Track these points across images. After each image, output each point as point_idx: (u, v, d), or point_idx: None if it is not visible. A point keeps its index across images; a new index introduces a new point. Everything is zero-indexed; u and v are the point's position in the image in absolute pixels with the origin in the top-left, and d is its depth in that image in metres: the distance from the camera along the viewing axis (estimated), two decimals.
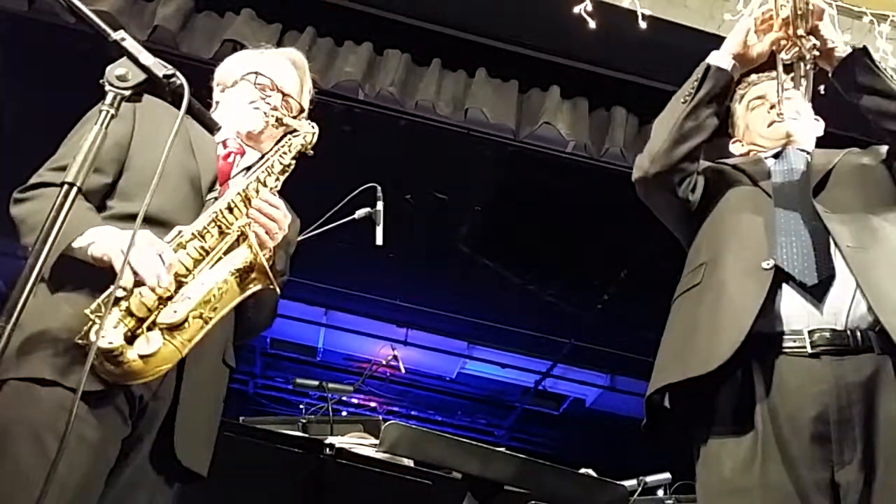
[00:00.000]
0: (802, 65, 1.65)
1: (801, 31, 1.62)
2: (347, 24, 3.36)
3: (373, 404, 7.29)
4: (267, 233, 1.64)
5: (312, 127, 1.81)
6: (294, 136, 1.79)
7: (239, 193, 1.63)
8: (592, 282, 5.04)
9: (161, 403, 1.55)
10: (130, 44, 1.22)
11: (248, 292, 1.58)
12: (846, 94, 1.66)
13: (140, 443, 1.54)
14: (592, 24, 2.87)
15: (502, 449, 1.98)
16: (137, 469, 1.54)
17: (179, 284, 1.51)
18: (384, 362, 4.93)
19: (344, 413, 4.96)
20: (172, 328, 1.45)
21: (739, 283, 1.57)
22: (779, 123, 1.85)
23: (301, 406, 3.55)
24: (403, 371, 5.21)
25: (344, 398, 4.45)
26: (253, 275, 1.57)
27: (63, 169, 1.32)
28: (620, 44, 3.12)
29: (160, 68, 1.22)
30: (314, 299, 5.90)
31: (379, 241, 2.65)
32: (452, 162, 4.17)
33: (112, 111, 1.22)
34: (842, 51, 1.63)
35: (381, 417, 3.27)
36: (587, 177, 3.83)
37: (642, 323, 5.25)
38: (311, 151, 1.80)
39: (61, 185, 1.19)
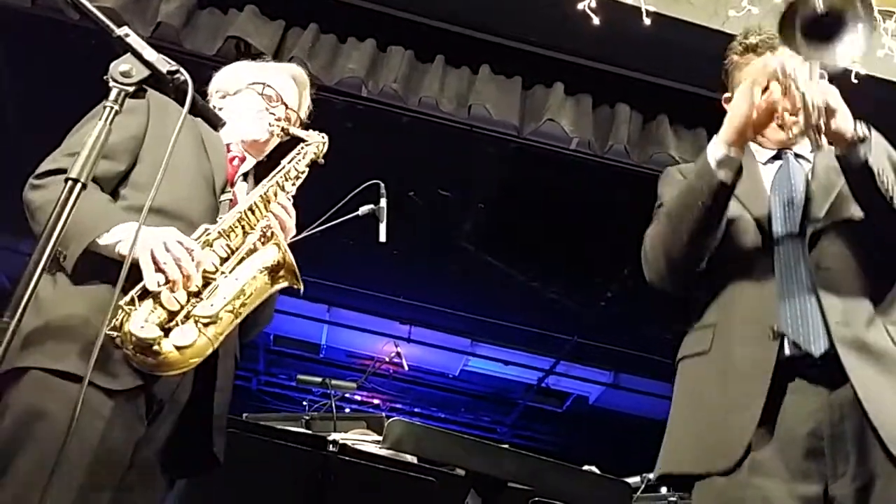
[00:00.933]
0: (808, 141, 1.55)
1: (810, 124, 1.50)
2: (350, 21, 3.36)
3: (376, 401, 7.30)
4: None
5: (322, 137, 1.87)
6: (307, 146, 1.84)
7: (261, 196, 1.69)
8: (596, 279, 5.04)
9: (175, 406, 1.58)
10: (134, 40, 1.23)
11: (276, 289, 1.66)
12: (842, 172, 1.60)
13: (150, 443, 1.56)
14: (596, 21, 2.86)
15: (506, 446, 1.98)
16: (143, 467, 1.56)
17: (206, 282, 1.55)
18: (387, 359, 4.92)
19: (347, 410, 4.96)
20: (207, 322, 1.50)
21: (749, 359, 1.54)
22: (778, 128, 1.70)
23: (304, 403, 3.56)
24: (407, 368, 5.21)
25: (347, 395, 4.46)
26: (281, 273, 1.65)
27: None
28: (624, 40, 3.11)
29: (164, 64, 1.23)
30: (317, 296, 5.90)
31: (382, 237, 2.65)
32: (456, 159, 4.17)
33: (116, 107, 1.22)
34: (850, 135, 1.51)
35: (384, 414, 3.28)
36: (591, 174, 3.82)
37: (646, 320, 5.27)
38: (323, 160, 1.86)
39: (66, 181, 1.20)
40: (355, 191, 2.66)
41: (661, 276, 1.70)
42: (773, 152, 1.79)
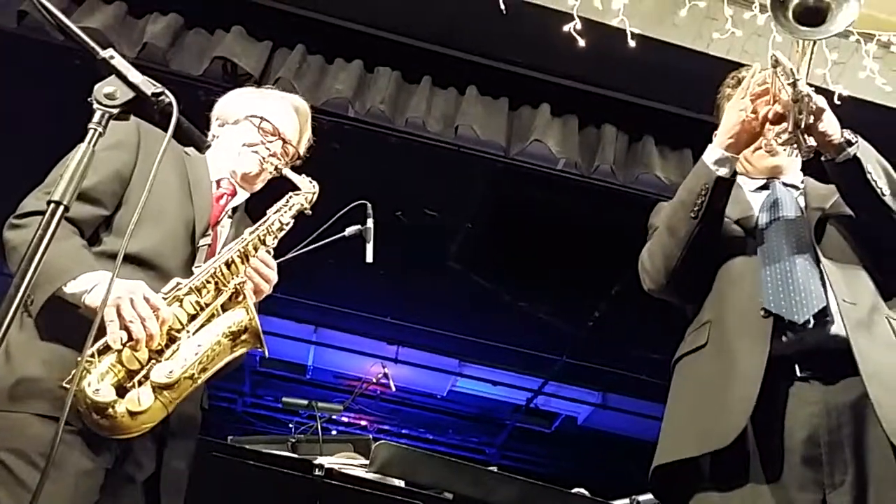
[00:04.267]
0: (797, 147, 1.61)
1: (799, 125, 1.55)
2: (338, 42, 3.37)
3: (363, 423, 7.24)
4: (256, 291, 1.67)
5: (313, 187, 1.84)
6: (296, 195, 1.81)
7: (240, 250, 1.65)
8: (584, 299, 5.04)
9: (148, 440, 1.55)
10: (119, 62, 1.21)
11: (237, 353, 1.60)
12: (832, 179, 1.65)
13: (131, 483, 1.55)
14: (582, 43, 2.88)
15: (493, 468, 1.97)
16: (119, 498, 1.53)
17: (172, 339, 1.52)
18: (374, 380, 4.89)
19: (334, 432, 4.92)
20: (164, 387, 1.46)
21: (745, 340, 1.56)
22: (765, 153, 1.80)
23: (290, 425, 3.52)
24: (394, 389, 5.18)
25: (334, 417, 4.43)
26: (245, 336, 1.60)
27: None
28: (610, 62, 3.14)
29: (148, 86, 1.21)
30: (304, 317, 5.86)
31: (369, 258, 2.64)
32: (443, 179, 4.17)
33: (100, 129, 1.20)
34: (837, 139, 1.57)
35: (371, 436, 3.24)
36: (578, 193, 3.84)
37: (634, 340, 5.27)
38: (310, 212, 1.83)
39: (48, 203, 1.17)
40: (342, 211, 2.65)
41: (659, 283, 1.71)
42: (762, 181, 1.82)
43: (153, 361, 1.48)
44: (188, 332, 1.54)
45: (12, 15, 3.12)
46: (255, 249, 1.68)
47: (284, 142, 1.88)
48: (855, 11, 1.49)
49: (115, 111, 1.20)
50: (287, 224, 1.77)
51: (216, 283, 1.61)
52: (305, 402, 3.36)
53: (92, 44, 1.23)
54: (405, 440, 7.24)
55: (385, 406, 7.06)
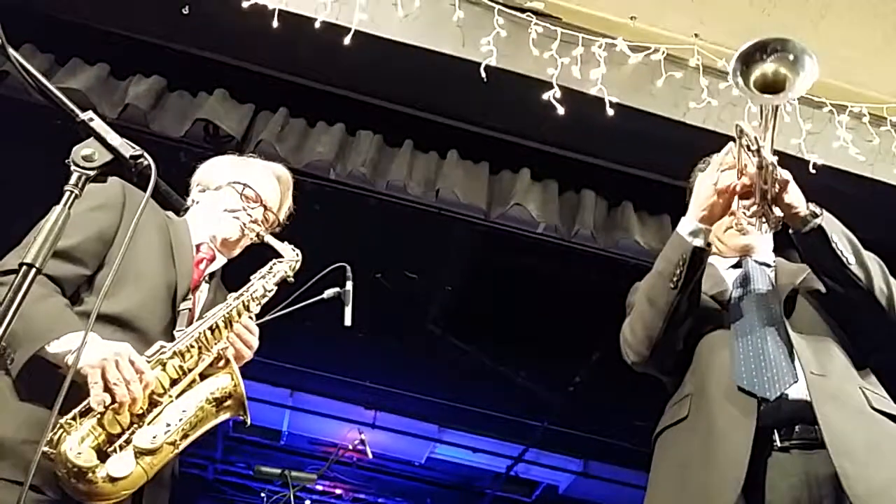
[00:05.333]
0: (765, 220, 1.67)
1: (766, 197, 1.62)
2: (320, 105, 3.40)
3: (338, 491, 7.02)
4: (237, 357, 1.67)
5: (297, 254, 1.88)
6: (279, 263, 1.85)
7: (223, 316, 1.67)
8: (564, 364, 5.00)
9: None
10: (98, 124, 1.21)
11: (220, 419, 1.60)
12: (799, 250, 1.69)
13: None
14: (561, 110, 2.94)
15: None
16: None
17: (153, 403, 1.51)
18: (351, 447, 4.77)
19: (307, 502, 4.77)
20: (147, 452, 1.44)
21: (727, 414, 1.56)
22: (736, 232, 1.86)
23: (262, 494, 3.41)
24: (371, 456, 5.05)
25: (307, 486, 4.30)
26: (228, 402, 1.60)
27: None
28: (589, 129, 3.19)
29: (127, 148, 1.21)
30: (280, 380, 5.74)
31: (347, 321, 2.60)
32: (423, 242, 4.17)
33: (76, 191, 1.19)
34: (803, 211, 1.63)
35: None
36: (558, 258, 3.85)
37: (617, 406, 5.21)
38: (293, 279, 1.87)
39: (20, 265, 1.15)
40: (321, 273, 2.63)
41: (642, 355, 1.72)
42: (735, 260, 1.87)
43: (134, 426, 1.47)
44: (170, 396, 1.53)
45: None
46: (239, 315, 1.69)
47: (266, 209, 1.90)
48: (812, 78, 1.52)
49: (92, 173, 1.19)
50: (270, 291, 1.79)
51: (199, 348, 1.61)
52: (279, 471, 3.27)
53: (71, 106, 1.22)
54: None
55: (361, 473, 6.87)
